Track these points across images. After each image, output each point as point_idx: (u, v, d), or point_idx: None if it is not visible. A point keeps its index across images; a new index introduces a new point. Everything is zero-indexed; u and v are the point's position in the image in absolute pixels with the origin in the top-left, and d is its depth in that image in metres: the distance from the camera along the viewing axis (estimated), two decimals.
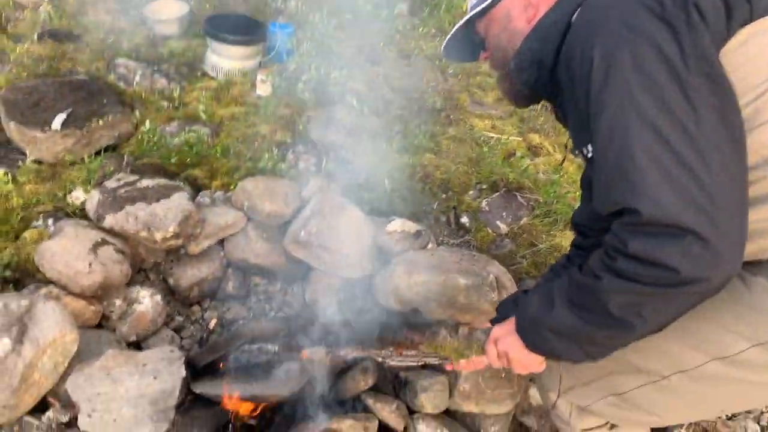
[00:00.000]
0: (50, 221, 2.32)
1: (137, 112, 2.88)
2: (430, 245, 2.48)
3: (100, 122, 2.69)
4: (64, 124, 2.63)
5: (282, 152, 2.82)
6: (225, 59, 3.29)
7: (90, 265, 2.00)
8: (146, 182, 2.35)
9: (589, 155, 1.29)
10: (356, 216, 2.46)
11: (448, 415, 2.04)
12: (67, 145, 2.61)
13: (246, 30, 3.31)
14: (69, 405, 1.78)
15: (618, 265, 1.13)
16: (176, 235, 2.26)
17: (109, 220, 2.22)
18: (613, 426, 1.61)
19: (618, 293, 1.15)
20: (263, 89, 3.18)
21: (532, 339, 1.37)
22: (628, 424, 1.60)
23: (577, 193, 2.96)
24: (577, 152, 1.37)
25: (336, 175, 2.80)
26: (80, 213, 2.38)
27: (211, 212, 2.45)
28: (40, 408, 1.79)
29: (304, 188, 2.57)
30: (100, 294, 2.04)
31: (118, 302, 2.13)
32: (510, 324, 1.45)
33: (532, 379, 2.19)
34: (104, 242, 2.13)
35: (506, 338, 1.45)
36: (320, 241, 2.31)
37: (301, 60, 3.34)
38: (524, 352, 1.40)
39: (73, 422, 1.76)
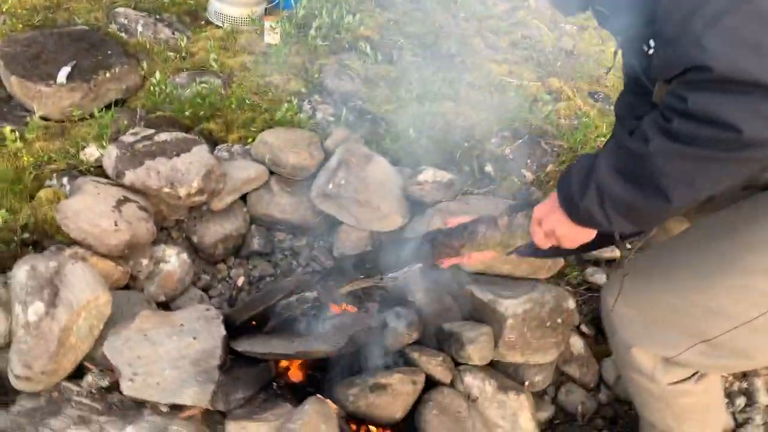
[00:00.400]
0: (65, 180, 2.20)
1: (144, 64, 2.74)
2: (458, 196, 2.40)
3: (107, 75, 2.56)
4: (69, 78, 2.49)
5: (298, 102, 2.70)
6: (229, 6, 3.13)
7: (116, 223, 1.90)
8: (164, 136, 2.23)
9: (650, 51, 1.21)
10: (383, 166, 2.38)
11: (491, 366, 2.00)
12: (74, 99, 2.47)
13: None
14: (107, 369, 1.72)
15: (674, 126, 1.04)
16: (200, 191, 2.17)
17: (130, 177, 2.11)
18: (701, 376, 1.57)
19: (669, 158, 1.06)
20: (272, 37, 3.04)
21: (576, 211, 1.28)
22: (718, 370, 1.56)
23: (603, 139, 2.88)
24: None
25: (356, 125, 2.69)
26: (95, 170, 2.27)
27: (231, 166, 2.35)
28: (77, 374, 1.72)
29: (327, 139, 2.47)
30: (126, 253, 1.95)
31: (144, 261, 2.04)
32: (552, 200, 1.36)
33: (572, 328, 2.15)
34: (126, 200, 2.02)
35: (550, 216, 1.36)
36: (349, 193, 2.22)
37: (311, 5, 3.18)
38: (570, 226, 1.32)
39: (113, 387, 1.69)
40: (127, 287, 2.03)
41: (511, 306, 1.93)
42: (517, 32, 3.61)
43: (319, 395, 1.68)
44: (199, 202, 2.22)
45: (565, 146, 2.85)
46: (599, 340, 2.26)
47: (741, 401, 2.12)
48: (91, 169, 2.27)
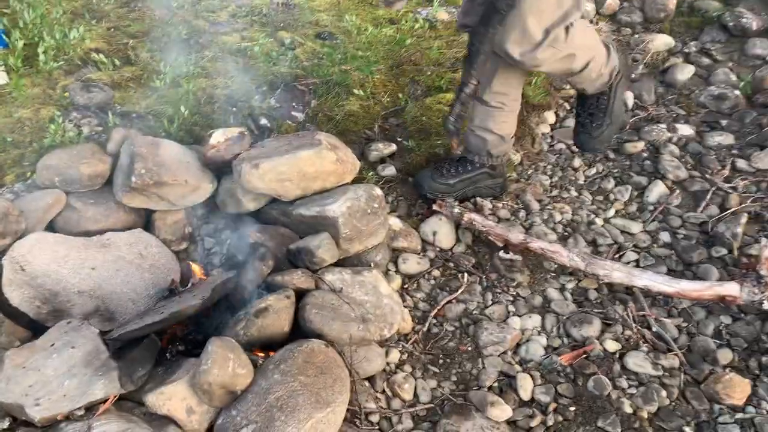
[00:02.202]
0: None
1: None
2: None
3: None
4: None
5: (61, 124, 2.69)
6: None
7: None
8: None
9: None
10: (173, 147, 2.51)
11: (340, 264, 2.30)
12: None
13: None
14: (2, 415, 1.70)
15: None
16: (2, 234, 2.13)
17: None
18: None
19: None
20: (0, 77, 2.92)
21: None
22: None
23: (346, 65, 3.27)
24: None
25: (127, 126, 2.76)
26: None
27: (25, 201, 2.32)
28: None
29: (108, 144, 2.52)
30: None
31: None
32: None
33: (387, 211, 2.53)
34: None
35: None
36: (154, 179, 2.33)
37: (27, 35, 3.09)
38: None
39: (14, 426, 1.69)
40: None
41: (337, 208, 2.25)
42: (231, 5, 3.85)
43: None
44: (4, 246, 2.18)
45: (318, 82, 3.20)
46: (411, 213, 2.69)
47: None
48: None
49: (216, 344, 1.76)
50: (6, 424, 1.68)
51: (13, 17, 3.21)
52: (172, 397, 1.75)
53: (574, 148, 3.00)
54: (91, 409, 1.71)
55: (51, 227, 2.35)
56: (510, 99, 2.49)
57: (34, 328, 2.09)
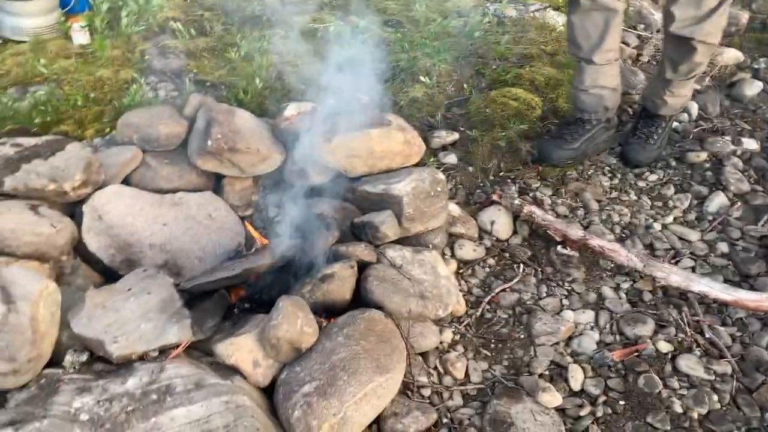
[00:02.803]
0: None
1: None
2: None
3: None
4: None
5: (139, 87, 2.80)
6: (23, 19, 3.07)
7: (53, 225, 1.96)
8: (34, 141, 2.25)
9: None
10: (247, 116, 2.59)
11: (399, 242, 2.35)
12: None
13: None
14: (81, 348, 1.80)
15: None
16: (84, 183, 2.24)
17: (10, 183, 2.12)
18: None
19: None
20: (83, 38, 3.05)
21: None
22: None
23: (412, 53, 3.33)
24: None
25: (202, 92, 2.86)
26: None
27: (105, 155, 2.43)
28: (52, 363, 1.77)
29: (185, 108, 2.62)
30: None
31: (64, 257, 2.09)
32: None
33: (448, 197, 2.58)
34: (34, 206, 2.07)
35: None
36: (229, 144, 2.42)
37: None
38: None
39: (92, 360, 1.78)
40: None
41: (402, 187, 2.31)
42: None
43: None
44: (85, 194, 2.28)
45: (384, 67, 3.25)
46: (469, 201, 2.74)
47: None
48: None
49: (286, 301, 1.82)
50: (84, 357, 1.77)
51: None
52: (241, 349, 1.82)
53: None
54: (164, 352, 1.79)
55: (126, 182, 2.45)
56: (614, 53, 2.71)
57: (107, 275, 2.19)
